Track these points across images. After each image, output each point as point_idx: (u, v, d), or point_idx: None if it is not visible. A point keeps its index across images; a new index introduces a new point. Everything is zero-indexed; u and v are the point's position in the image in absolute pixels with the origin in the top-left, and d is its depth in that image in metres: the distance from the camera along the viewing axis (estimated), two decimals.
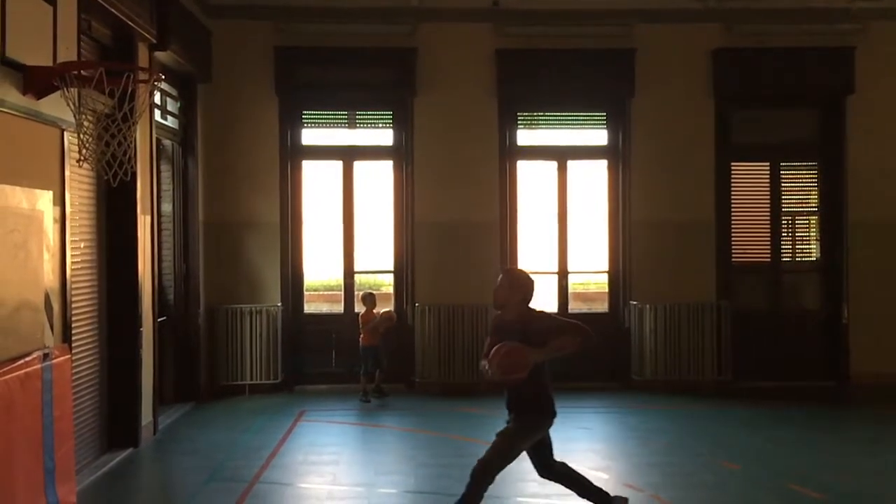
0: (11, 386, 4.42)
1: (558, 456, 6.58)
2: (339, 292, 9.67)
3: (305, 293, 9.62)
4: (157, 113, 7.67)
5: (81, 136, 4.88)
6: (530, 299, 4.70)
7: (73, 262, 5.62)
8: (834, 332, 9.51)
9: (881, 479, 6.09)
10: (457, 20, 9.26)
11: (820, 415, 8.28)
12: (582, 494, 4.85)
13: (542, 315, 4.66)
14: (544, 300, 9.69)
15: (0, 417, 4.30)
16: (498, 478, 6.13)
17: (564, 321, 4.70)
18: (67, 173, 5.47)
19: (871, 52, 9.35)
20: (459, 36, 9.29)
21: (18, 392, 4.49)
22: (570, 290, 9.73)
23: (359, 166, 9.59)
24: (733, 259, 9.55)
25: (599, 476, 6.07)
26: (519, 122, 9.67)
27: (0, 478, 4.33)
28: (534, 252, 9.70)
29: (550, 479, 4.89)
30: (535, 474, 6.11)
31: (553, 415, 4.76)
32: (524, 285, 4.70)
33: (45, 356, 4.82)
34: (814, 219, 9.84)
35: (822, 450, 6.92)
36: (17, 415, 4.46)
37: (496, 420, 7.92)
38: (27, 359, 4.62)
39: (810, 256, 9.88)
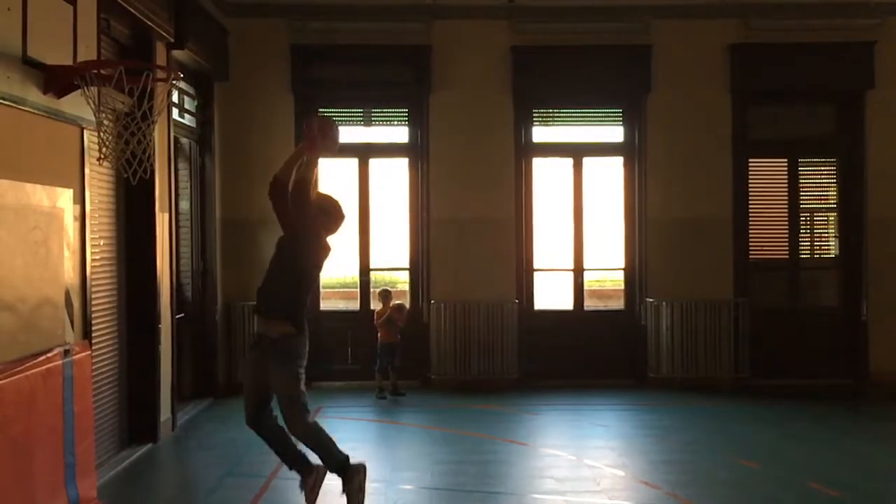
0: (33, 381, 4.47)
1: (567, 453, 6.66)
2: (354, 289, 9.70)
3: (321, 290, 9.66)
4: (175, 111, 7.72)
5: (101, 134, 4.92)
6: (331, 231, 4.71)
7: (92, 260, 5.68)
8: (853, 329, 9.43)
9: None
10: (472, 17, 9.25)
11: (839, 413, 8.21)
12: (282, 456, 4.77)
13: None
14: (560, 297, 9.71)
15: (21, 412, 4.35)
16: (513, 474, 6.17)
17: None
18: (87, 171, 5.52)
19: (891, 47, 9.25)
20: (474, 33, 9.28)
21: (40, 388, 4.54)
22: (586, 287, 9.71)
23: (374, 164, 9.61)
24: (751, 256, 9.49)
25: (616, 473, 6.08)
26: (534, 118, 9.66)
27: (21, 472, 4.38)
28: (549, 249, 9.69)
29: (258, 431, 4.72)
30: (552, 471, 6.15)
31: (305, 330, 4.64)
32: (332, 216, 4.72)
33: (66, 352, 4.87)
34: (832, 215, 9.75)
35: (840, 448, 6.87)
36: (38, 410, 4.51)
37: (512, 416, 7.98)
38: (48, 355, 4.67)
39: (829, 253, 9.80)
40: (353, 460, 4.68)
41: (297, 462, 4.82)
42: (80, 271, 5.41)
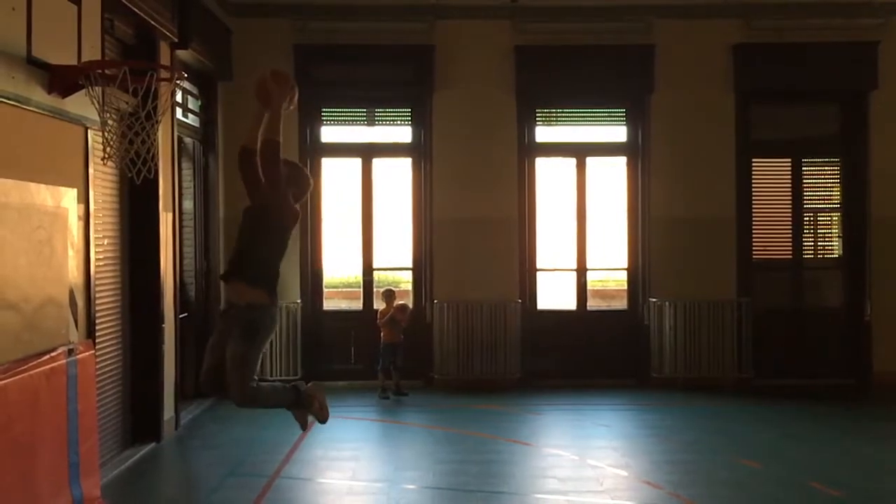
0: (37, 381, 4.49)
1: (570, 453, 6.66)
2: (357, 289, 9.71)
3: (324, 290, 9.67)
4: (179, 111, 7.72)
5: (105, 134, 4.93)
6: (298, 197, 4.60)
7: (96, 259, 5.69)
8: (856, 329, 9.41)
9: None
10: (474, 17, 9.25)
11: (841, 413, 8.20)
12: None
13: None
14: (563, 297, 9.71)
15: (26, 412, 4.37)
16: (515, 474, 6.18)
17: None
18: (91, 171, 5.54)
19: (895, 47, 9.24)
20: (477, 33, 9.28)
21: (44, 387, 4.56)
22: (589, 287, 9.70)
23: (378, 163, 9.62)
24: (754, 256, 9.48)
25: (619, 473, 6.08)
26: (537, 118, 9.66)
27: (26, 471, 4.40)
28: (552, 249, 9.69)
29: (213, 389, 4.60)
30: (555, 470, 6.15)
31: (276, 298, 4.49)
32: (300, 182, 4.62)
33: (70, 352, 4.88)
34: (836, 215, 9.73)
35: (843, 448, 6.87)
36: (42, 409, 4.53)
37: (515, 416, 7.99)
38: (52, 354, 4.68)
39: (832, 253, 9.78)
40: (303, 386, 4.58)
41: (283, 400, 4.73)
42: (84, 271, 5.42)
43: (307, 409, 4.60)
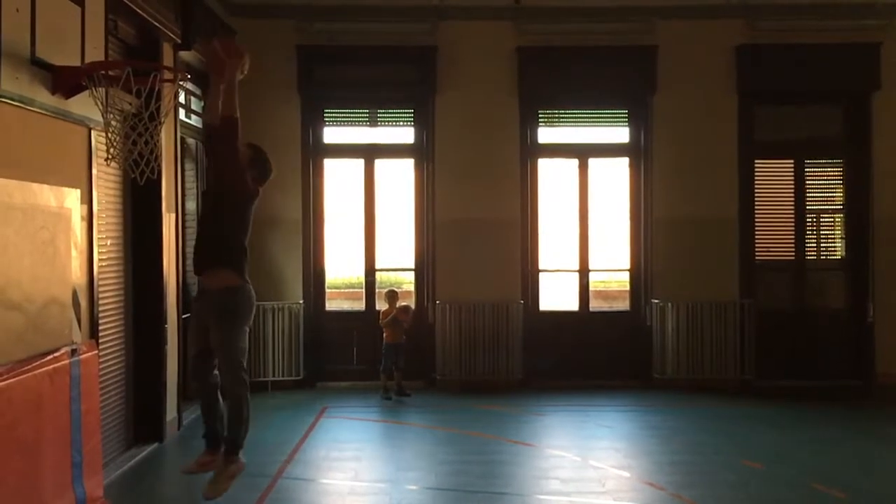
0: (40, 381, 4.50)
1: (572, 454, 6.67)
2: (360, 290, 9.72)
3: (327, 290, 9.68)
4: (182, 112, 7.74)
5: (109, 135, 4.94)
6: (259, 182, 4.58)
7: (99, 260, 5.70)
8: (859, 330, 9.39)
9: None
10: (477, 18, 9.25)
11: (844, 414, 8.20)
12: (207, 423, 4.57)
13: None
14: (565, 298, 9.71)
15: (29, 412, 4.38)
16: (518, 475, 6.18)
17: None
18: (95, 172, 5.55)
19: None
20: (480, 34, 9.29)
21: (47, 387, 4.57)
22: (592, 288, 9.70)
23: (380, 164, 9.63)
24: (756, 257, 9.47)
25: (621, 474, 6.08)
26: (540, 119, 9.66)
27: (29, 471, 4.41)
28: (555, 250, 9.69)
29: (202, 386, 4.52)
30: (557, 471, 6.16)
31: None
32: (263, 168, 4.59)
33: (73, 352, 4.89)
34: (839, 216, 9.72)
35: (846, 449, 6.86)
36: (45, 409, 4.54)
37: (517, 417, 7.99)
38: (55, 354, 4.69)
39: (835, 254, 9.77)
40: (243, 456, 4.57)
41: (210, 435, 4.66)
42: (87, 271, 5.43)
43: (222, 464, 4.52)
